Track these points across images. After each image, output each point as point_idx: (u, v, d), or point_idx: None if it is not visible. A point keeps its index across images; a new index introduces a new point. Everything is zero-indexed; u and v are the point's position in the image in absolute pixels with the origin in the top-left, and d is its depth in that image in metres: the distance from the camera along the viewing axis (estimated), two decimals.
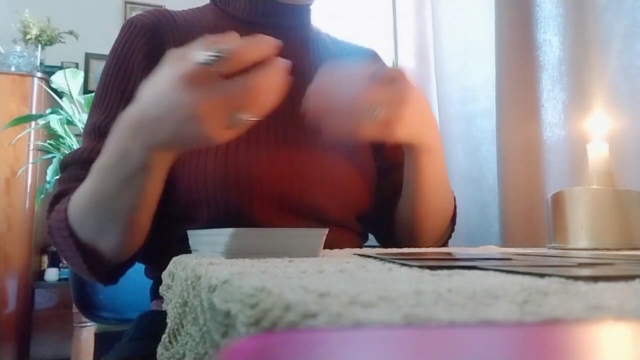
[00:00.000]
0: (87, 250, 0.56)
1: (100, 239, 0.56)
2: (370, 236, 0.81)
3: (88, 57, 3.08)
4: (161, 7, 0.74)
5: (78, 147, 0.67)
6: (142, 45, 0.67)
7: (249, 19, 0.74)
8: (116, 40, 0.70)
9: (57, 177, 0.64)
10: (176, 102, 0.43)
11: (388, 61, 1.60)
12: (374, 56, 0.88)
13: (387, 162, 0.78)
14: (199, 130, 0.43)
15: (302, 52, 0.76)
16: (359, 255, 0.43)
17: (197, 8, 0.77)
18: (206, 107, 0.42)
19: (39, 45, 2.79)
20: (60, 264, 2.65)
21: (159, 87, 0.45)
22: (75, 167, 0.63)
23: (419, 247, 0.72)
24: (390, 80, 0.55)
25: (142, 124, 0.47)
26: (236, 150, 0.62)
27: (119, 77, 0.67)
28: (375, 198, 0.74)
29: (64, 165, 0.65)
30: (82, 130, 2.53)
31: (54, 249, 0.67)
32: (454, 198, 0.77)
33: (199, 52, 0.43)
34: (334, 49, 0.82)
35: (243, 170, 0.62)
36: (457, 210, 0.79)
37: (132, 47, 0.68)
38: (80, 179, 0.60)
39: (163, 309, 0.39)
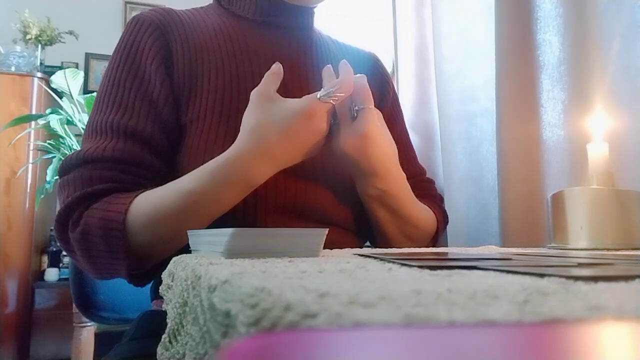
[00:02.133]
0: (131, 253, 0.57)
1: (164, 247, 0.59)
2: None
3: (88, 57, 3.09)
4: (163, 6, 0.73)
5: (80, 145, 0.66)
6: (152, 44, 0.67)
7: (253, 19, 0.74)
8: (122, 37, 0.69)
9: (71, 174, 0.61)
10: (308, 131, 0.57)
11: (388, 62, 1.60)
12: (374, 60, 0.89)
13: None
14: (322, 144, 0.60)
15: (305, 53, 0.76)
16: (359, 255, 0.43)
17: (201, 8, 0.76)
18: (326, 128, 0.58)
19: (39, 45, 2.79)
20: (60, 264, 2.65)
21: (285, 125, 0.56)
22: (100, 167, 0.61)
23: None
24: (361, 108, 0.61)
25: (271, 152, 0.57)
26: None
27: (131, 74, 0.66)
28: None
29: (75, 164, 0.62)
30: (82, 130, 2.53)
31: (64, 245, 0.62)
32: (441, 220, 0.79)
33: (322, 91, 0.57)
34: (336, 51, 0.82)
35: None
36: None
37: (141, 45, 0.67)
38: (113, 180, 0.60)
39: (163, 309, 0.39)
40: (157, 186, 0.62)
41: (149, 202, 0.58)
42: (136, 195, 0.59)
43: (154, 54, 0.66)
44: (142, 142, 0.63)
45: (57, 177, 2.37)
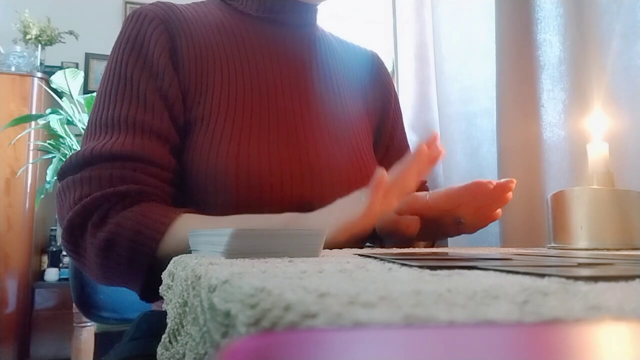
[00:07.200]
0: (154, 273, 0.54)
1: None
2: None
3: (88, 57, 3.09)
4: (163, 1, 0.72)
5: (82, 142, 0.63)
6: (158, 37, 0.64)
7: (256, 15, 0.73)
8: (124, 31, 0.66)
9: (85, 172, 0.57)
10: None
11: (388, 62, 1.59)
12: (377, 59, 0.89)
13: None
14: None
15: (309, 50, 0.76)
16: (359, 255, 0.43)
17: (202, 3, 0.75)
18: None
19: (39, 45, 2.79)
20: (60, 264, 2.65)
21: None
22: (119, 166, 0.57)
23: None
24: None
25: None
26: (247, 153, 0.62)
27: (139, 67, 0.63)
28: None
29: (87, 161, 0.57)
30: (82, 130, 2.52)
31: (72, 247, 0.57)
32: None
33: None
34: (339, 49, 0.83)
35: (254, 173, 0.62)
36: None
37: (146, 38, 0.64)
38: (136, 182, 0.56)
39: (163, 309, 0.39)
40: (178, 189, 0.61)
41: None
42: (175, 214, 0.56)
43: (161, 48, 0.64)
44: (160, 139, 0.61)
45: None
